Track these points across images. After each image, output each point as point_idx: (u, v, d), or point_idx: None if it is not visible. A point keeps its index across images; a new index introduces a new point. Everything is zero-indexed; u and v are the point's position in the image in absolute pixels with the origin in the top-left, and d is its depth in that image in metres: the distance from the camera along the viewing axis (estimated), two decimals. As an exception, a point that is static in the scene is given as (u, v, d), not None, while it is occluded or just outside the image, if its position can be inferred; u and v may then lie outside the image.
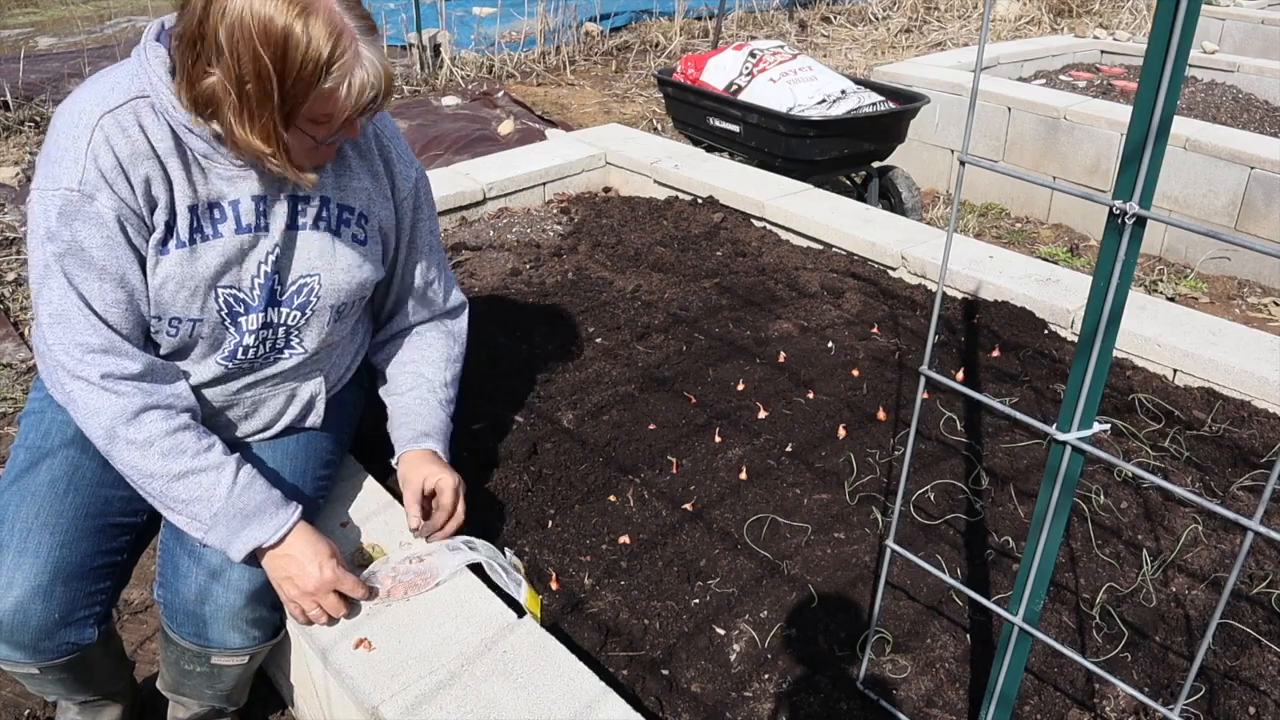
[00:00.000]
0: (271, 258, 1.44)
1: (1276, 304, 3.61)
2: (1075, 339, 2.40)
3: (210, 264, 1.39)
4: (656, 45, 7.26)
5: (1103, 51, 5.74)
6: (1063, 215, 4.34)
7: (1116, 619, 1.58)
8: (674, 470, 1.91)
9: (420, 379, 1.70)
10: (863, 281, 2.73)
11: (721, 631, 1.55)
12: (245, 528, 1.39)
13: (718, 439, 1.99)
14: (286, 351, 1.55)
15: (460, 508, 1.59)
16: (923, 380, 1.19)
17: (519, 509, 1.80)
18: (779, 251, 2.93)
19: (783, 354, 2.30)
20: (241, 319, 1.45)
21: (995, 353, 2.33)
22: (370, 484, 1.78)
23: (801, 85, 3.70)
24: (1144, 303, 2.44)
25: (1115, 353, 2.09)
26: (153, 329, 1.41)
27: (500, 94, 5.90)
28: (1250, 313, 3.58)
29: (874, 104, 3.65)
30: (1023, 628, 1.17)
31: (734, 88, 3.83)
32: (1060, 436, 1.03)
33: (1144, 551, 1.72)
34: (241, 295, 1.44)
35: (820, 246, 2.99)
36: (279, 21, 1.17)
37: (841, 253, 2.93)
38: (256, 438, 1.62)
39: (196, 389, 1.48)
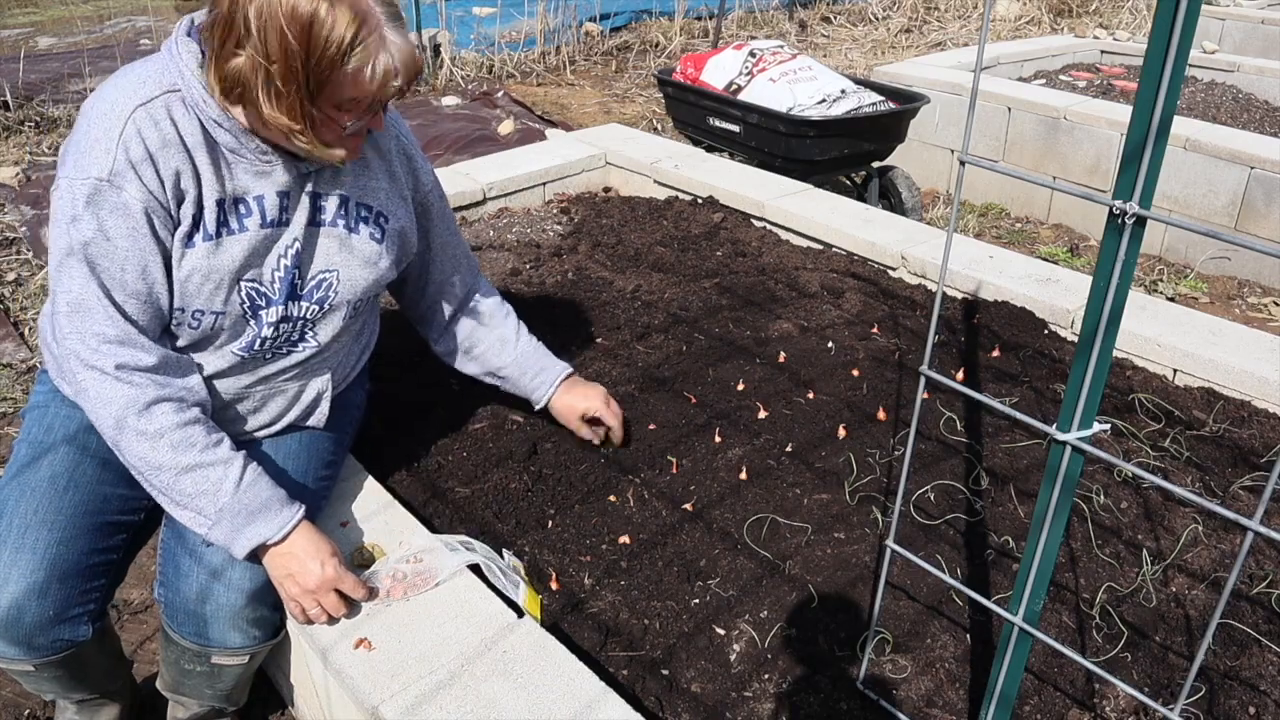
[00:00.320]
0: (292, 252, 1.46)
1: (1276, 304, 3.61)
2: (1075, 339, 2.40)
3: (235, 257, 1.41)
4: (656, 45, 7.26)
5: (1103, 51, 5.74)
6: (1063, 215, 4.34)
7: (1116, 619, 1.58)
8: (674, 470, 1.91)
9: (505, 342, 1.88)
10: (863, 281, 2.73)
11: (721, 631, 1.55)
12: (249, 524, 1.39)
13: (718, 439, 1.99)
14: (301, 345, 1.56)
15: (616, 417, 1.91)
16: (923, 380, 1.19)
17: (519, 509, 1.80)
18: (779, 251, 2.93)
19: (783, 354, 2.30)
20: (262, 312, 1.47)
21: (995, 353, 2.33)
22: (370, 484, 1.78)
23: (801, 85, 3.70)
24: (1144, 303, 2.44)
25: (1115, 353, 2.09)
26: (174, 321, 1.42)
27: (500, 94, 5.90)
28: (1250, 313, 3.58)
29: (874, 104, 3.65)
30: (1023, 628, 1.17)
31: (734, 88, 3.83)
32: (1060, 436, 1.03)
33: (1144, 551, 1.72)
34: (263, 289, 1.46)
35: (820, 246, 2.99)
36: (305, 5, 1.20)
37: (841, 253, 2.93)
38: (262, 433, 1.62)
39: (209, 379, 1.49)
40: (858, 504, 1.83)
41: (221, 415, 1.54)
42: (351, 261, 1.53)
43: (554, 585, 1.63)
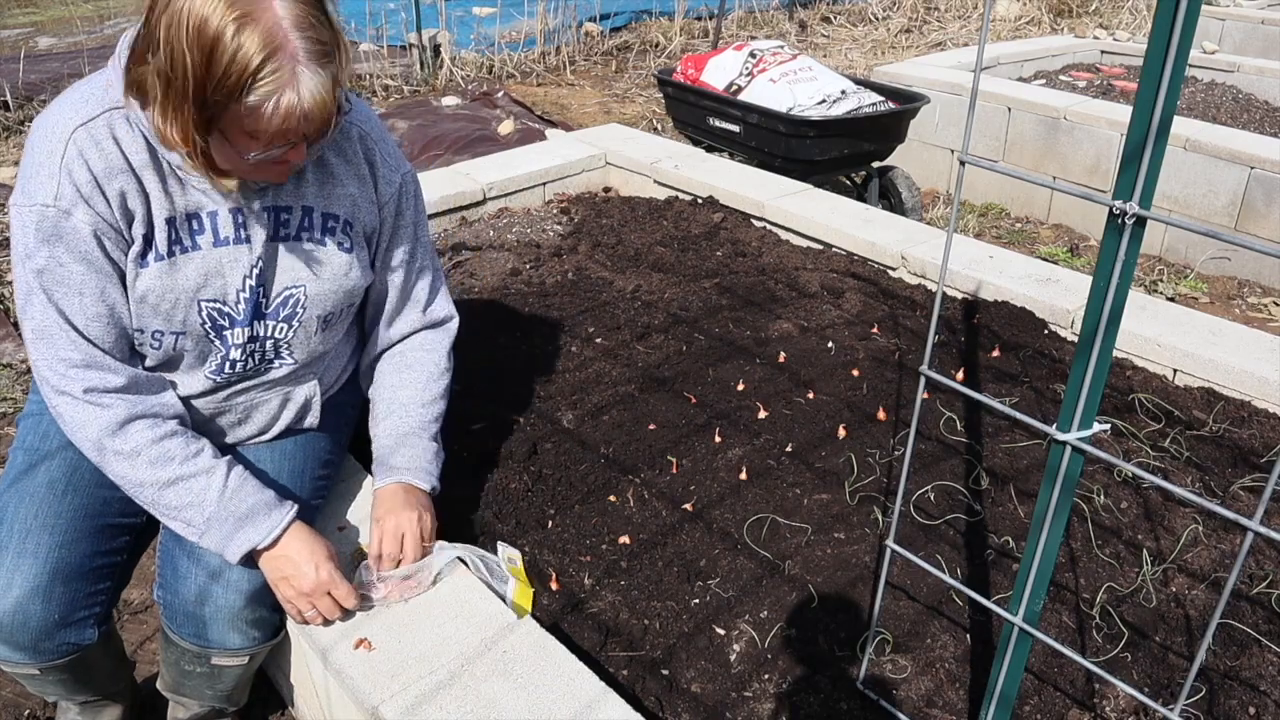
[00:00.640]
0: (255, 271, 1.42)
1: (1276, 304, 3.61)
2: (1075, 339, 2.39)
3: (190, 277, 1.38)
4: (656, 45, 7.26)
5: (1103, 51, 5.74)
6: (1063, 215, 4.34)
7: (1116, 619, 1.58)
8: (674, 470, 1.91)
9: (395, 405, 1.63)
10: (863, 281, 2.73)
11: (721, 631, 1.55)
12: (239, 530, 1.39)
13: (718, 439, 1.99)
14: (276, 362, 1.54)
15: (390, 542, 1.50)
16: (923, 380, 1.19)
17: (519, 509, 1.80)
18: (779, 251, 2.93)
19: (783, 354, 2.30)
20: (226, 332, 1.44)
21: (995, 353, 2.33)
22: (370, 484, 1.77)
23: (801, 85, 3.70)
24: (1144, 303, 2.44)
25: (1115, 353, 2.09)
26: (136, 341, 1.41)
27: (500, 94, 5.90)
28: (1250, 313, 3.58)
29: (874, 104, 3.65)
30: (1023, 628, 1.17)
31: (734, 88, 3.83)
32: (1060, 436, 1.03)
33: (1144, 551, 1.72)
34: (226, 309, 1.43)
35: (820, 246, 2.99)
36: (213, 24, 1.12)
37: (841, 253, 2.93)
38: (253, 442, 1.61)
39: (186, 400, 1.48)
40: (858, 504, 1.83)
41: (207, 429, 1.53)
42: (320, 275, 1.48)
43: (554, 585, 1.63)
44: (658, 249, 2.92)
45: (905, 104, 3.70)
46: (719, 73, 3.90)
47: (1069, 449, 1.03)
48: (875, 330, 2.44)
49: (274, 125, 1.19)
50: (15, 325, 3.24)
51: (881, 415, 2.08)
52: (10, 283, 3.55)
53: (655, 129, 5.47)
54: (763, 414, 2.07)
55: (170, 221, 1.35)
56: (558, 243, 3.05)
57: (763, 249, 2.95)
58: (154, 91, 1.20)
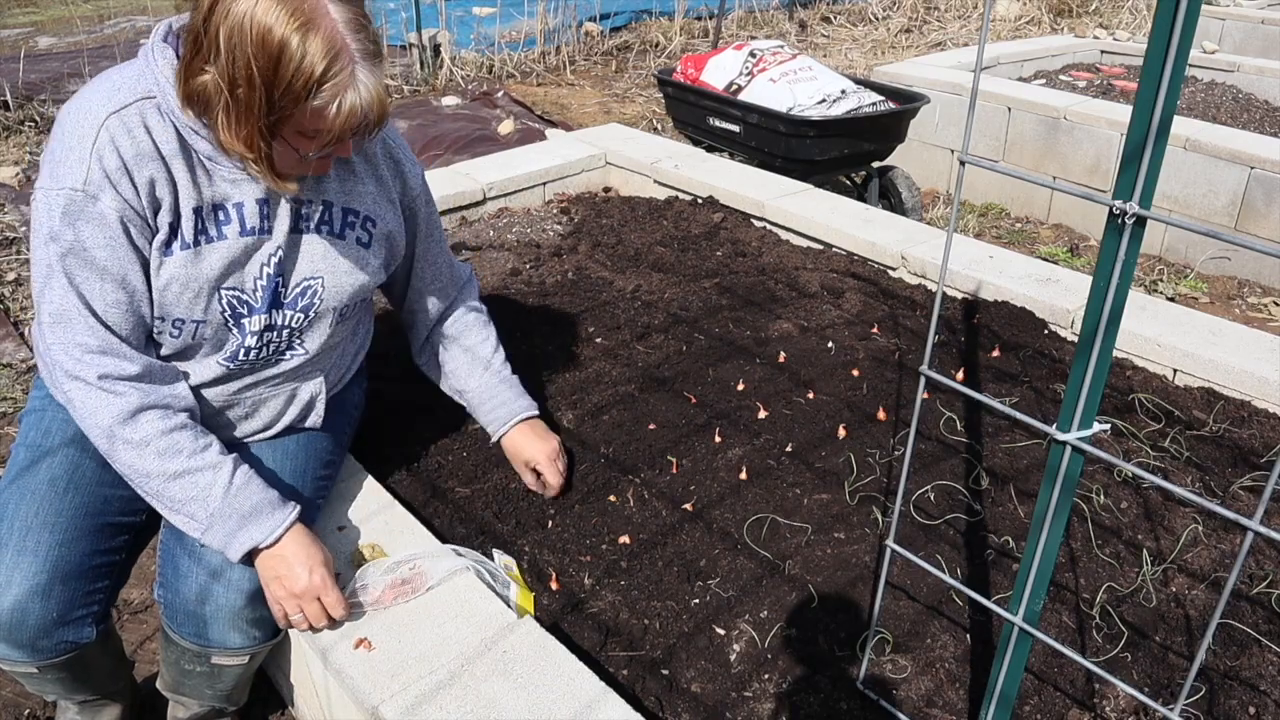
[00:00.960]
0: (274, 260, 1.44)
1: (1276, 304, 3.61)
2: (1075, 339, 2.40)
3: (214, 266, 1.39)
4: (656, 45, 7.26)
5: (1103, 51, 5.74)
6: (1063, 215, 4.34)
7: (1116, 619, 1.58)
8: (674, 470, 1.91)
9: (475, 364, 1.82)
10: (863, 281, 2.73)
11: (721, 631, 1.55)
12: (242, 528, 1.39)
13: (718, 439, 1.99)
14: (289, 353, 1.55)
15: (556, 474, 1.79)
16: (923, 380, 1.19)
17: (519, 509, 1.81)
18: (779, 251, 2.93)
19: (783, 354, 2.30)
20: (244, 320, 1.46)
21: (995, 353, 2.33)
22: (370, 484, 1.78)
23: (801, 85, 3.70)
24: (1144, 303, 2.44)
25: (1115, 353, 2.09)
26: (155, 330, 1.41)
27: (500, 94, 5.90)
28: (1250, 313, 3.58)
29: (874, 104, 3.65)
30: (1023, 628, 1.17)
31: (734, 88, 3.83)
32: (1060, 436, 1.03)
33: (1144, 551, 1.72)
34: (244, 297, 1.44)
35: (820, 246, 2.99)
36: (277, 33, 1.16)
37: (841, 253, 2.93)
38: (256, 438, 1.62)
39: (197, 389, 1.49)
40: (858, 504, 1.83)
41: (213, 422, 1.53)
42: (337, 267, 1.51)
43: (554, 585, 1.63)
44: (658, 249, 2.92)
45: (905, 104, 3.70)
46: (719, 72, 3.90)
47: (1069, 449, 1.03)
48: (875, 330, 2.44)
49: (337, 125, 1.24)
50: (15, 325, 3.24)
51: (881, 415, 2.08)
52: (10, 282, 3.54)
53: (655, 129, 5.47)
54: (763, 414, 2.07)
55: (197, 211, 1.37)
56: (558, 243, 3.05)
57: (763, 249, 2.95)
58: (218, 99, 1.22)
